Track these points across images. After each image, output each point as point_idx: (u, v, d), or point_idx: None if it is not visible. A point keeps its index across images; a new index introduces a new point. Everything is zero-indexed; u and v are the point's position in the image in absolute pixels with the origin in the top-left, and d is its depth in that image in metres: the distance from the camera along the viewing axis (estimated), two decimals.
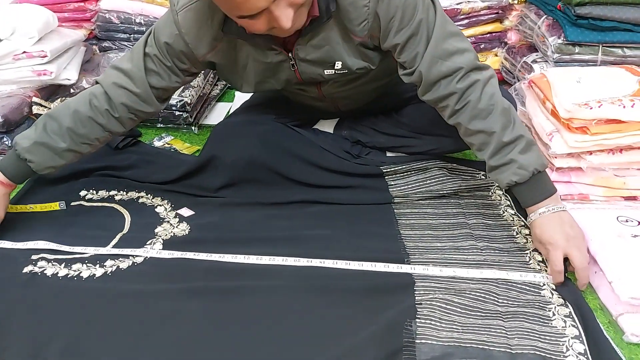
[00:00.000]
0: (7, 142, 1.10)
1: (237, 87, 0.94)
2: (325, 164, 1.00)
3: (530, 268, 0.77)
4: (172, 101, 1.24)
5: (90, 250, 0.82)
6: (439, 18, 0.79)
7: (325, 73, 0.87)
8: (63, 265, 0.79)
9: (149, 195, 0.99)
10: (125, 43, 1.46)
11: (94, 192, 0.99)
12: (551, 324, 0.67)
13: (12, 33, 1.15)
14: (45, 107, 1.18)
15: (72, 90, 1.28)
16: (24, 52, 1.15)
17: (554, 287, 0.73)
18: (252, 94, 1.21)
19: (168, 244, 0.84)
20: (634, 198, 0.91)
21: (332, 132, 1.10)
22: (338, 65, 0.85)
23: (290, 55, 0.83)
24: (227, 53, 0.85)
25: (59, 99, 1.23)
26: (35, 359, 0.64)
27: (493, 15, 1.39)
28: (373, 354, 0.63)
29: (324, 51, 0.83)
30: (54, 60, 1.20)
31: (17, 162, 0.84)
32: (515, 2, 1.37)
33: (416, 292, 0.72)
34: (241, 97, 1.39)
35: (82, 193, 0.99)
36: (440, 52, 0.78)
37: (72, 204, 0.96)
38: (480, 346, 0.63)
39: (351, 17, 0.78)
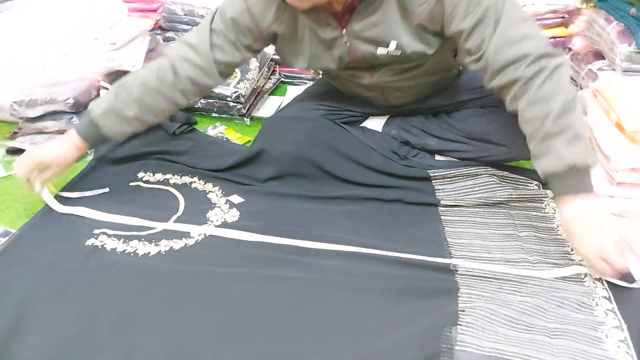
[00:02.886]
0: (75, 122, 1.17)
1: (292, 62, 0.96)
2: (371, 163, 1.00)
3: (585, 286, 0.74)
4: (227, 92, 1.28)
5: (157, 225, 0.87)
6: (508, 2, 0.77)
7: (378, 52, 0.86)
8: (122, 241, 0.84)
9: (201, 180, 1.03)
10: None
11: (151, 174, 1.05)
12: (603, 346, 0.64)
13: (85, 21, 1.23)
14: None
15: None
16: (95, 39, 1.23)
17: (610, 308, 0.70)
18: (303, 88, 1.23)
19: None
20: None
21: (380, 130, 1.09)
22: (392, 45, 0.85)
23: (344, 31, 0.84)
24: (289, 24, 0.88)
25: None
26: (87, 326, 0.68)
27: (558, 20, 1.33)
28: (410, 355, 0.63)
29: (380, 30, 0.83)
30: (121, 47, 1.26)
31: (90, 126, 0.91)
32: (584, 6, 1.30)
33: (460, 299, 0.71)
34: (292, 92, 1.42)
35: (140, 175, 1.04)
36: (508, 38, 0.76)
37: (131, 184, 1.02)
38: None
39: None
